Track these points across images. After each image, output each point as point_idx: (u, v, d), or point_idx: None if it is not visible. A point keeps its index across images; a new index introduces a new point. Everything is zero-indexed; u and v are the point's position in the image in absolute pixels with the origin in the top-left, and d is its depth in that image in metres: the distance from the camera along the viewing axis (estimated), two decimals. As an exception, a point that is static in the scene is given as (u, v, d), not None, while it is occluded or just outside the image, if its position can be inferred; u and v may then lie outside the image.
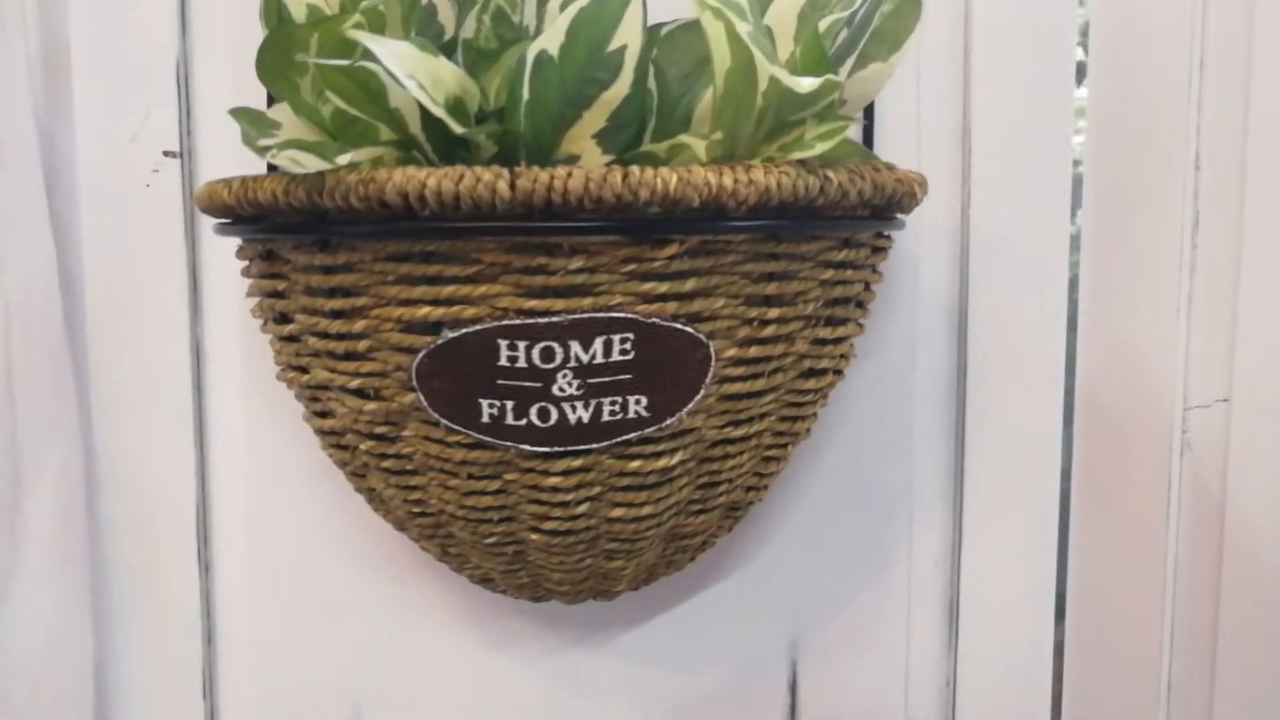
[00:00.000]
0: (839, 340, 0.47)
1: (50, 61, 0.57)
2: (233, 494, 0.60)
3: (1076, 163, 0.59)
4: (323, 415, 0.47)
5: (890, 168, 0.43)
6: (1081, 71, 0.57)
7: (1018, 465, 0.59)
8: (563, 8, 0.41)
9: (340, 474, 0.58)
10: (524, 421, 0.41)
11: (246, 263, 0.48)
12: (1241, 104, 0.52)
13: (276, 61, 0.44)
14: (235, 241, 0.57)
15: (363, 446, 0.45)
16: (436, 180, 0.36)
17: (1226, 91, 0.53)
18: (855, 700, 0.61)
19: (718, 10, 0.38)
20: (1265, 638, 0.54)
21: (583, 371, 0.40)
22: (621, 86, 0.39)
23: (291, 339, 0.45)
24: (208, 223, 0.58)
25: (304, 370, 0.46)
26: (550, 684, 0.61)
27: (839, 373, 0.49)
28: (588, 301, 0.39)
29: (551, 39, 0.38)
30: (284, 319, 0.45)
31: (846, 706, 0.61)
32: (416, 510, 0.47)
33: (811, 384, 0.47)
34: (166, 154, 0.58)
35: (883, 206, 0.43)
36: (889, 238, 0.47)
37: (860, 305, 0.47)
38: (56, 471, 0.57)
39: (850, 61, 0.42)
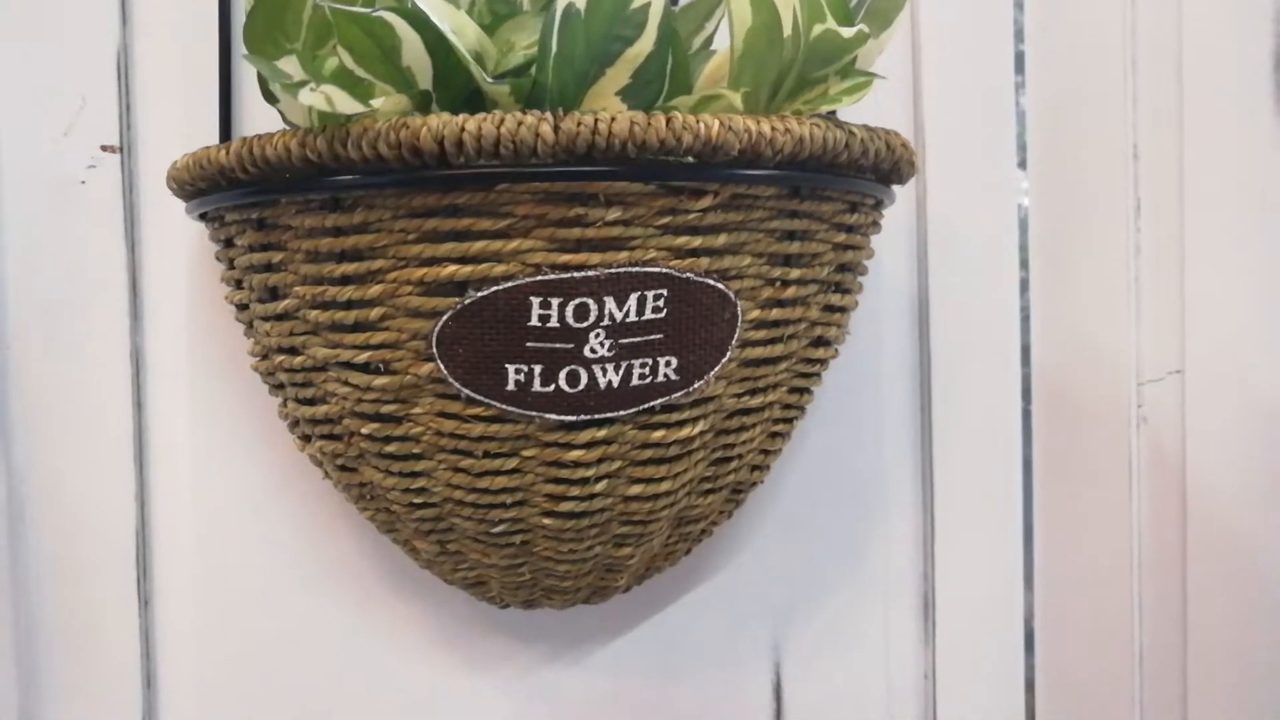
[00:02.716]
0: (843, 310, 0.47)
1: (-32, 49, 0.53)
2: (177, 519, 0.55)
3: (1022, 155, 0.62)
4: (312, 403, 0.44)
5: (896, 134, 0.44)
6: (1022, 71, 0.61)
7: (983, 452, 0.60)
8: (583, -34, 0.40)
9: (302, 489, 0.55)
10: (551, 387, 0.39)
11: (221, 244, 0.45)
12: (1175, 96, 0.56)
13: (266, 24, 0.41)
14: (182, 240, 0.54)
15: (363, 431, 0.42)
16: (476, 124, 0.35)
17: (1159, 84, 0.57)
18: (839, 698, 0.60)
19: (741, -31, 0.39)
20: (1232, 603, 0.56)
21: (615, 330, 0.39)
22: (646, 43, 0.39)
23: (284, 317, 0.42)
24: (151, 221, 0.55)
25: (295, 351, 0.43)
26: (530, 703, 0.57)
27: (837, 349, 0.49)
28: (624, 255, 0.38)
29: (578, -8, 0.38)
30: (275, 295, 0.42)
31: (831, 705, 0.60)
32: (418, 501, 0.44)
33: (819, 353, 0.47)
34: (105, 148, 0.54)
35: (888, 171, 0.44)
36: (882, 212, 0.48)
37: (858, 278, 0.48)
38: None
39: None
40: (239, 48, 0.51)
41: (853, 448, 0.60)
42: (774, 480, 0.59)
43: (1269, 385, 0.56)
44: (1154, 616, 0.59)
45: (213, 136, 0.52)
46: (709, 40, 0.50)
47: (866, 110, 0.59)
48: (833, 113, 0.52)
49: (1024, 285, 0.61)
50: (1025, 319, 0.62)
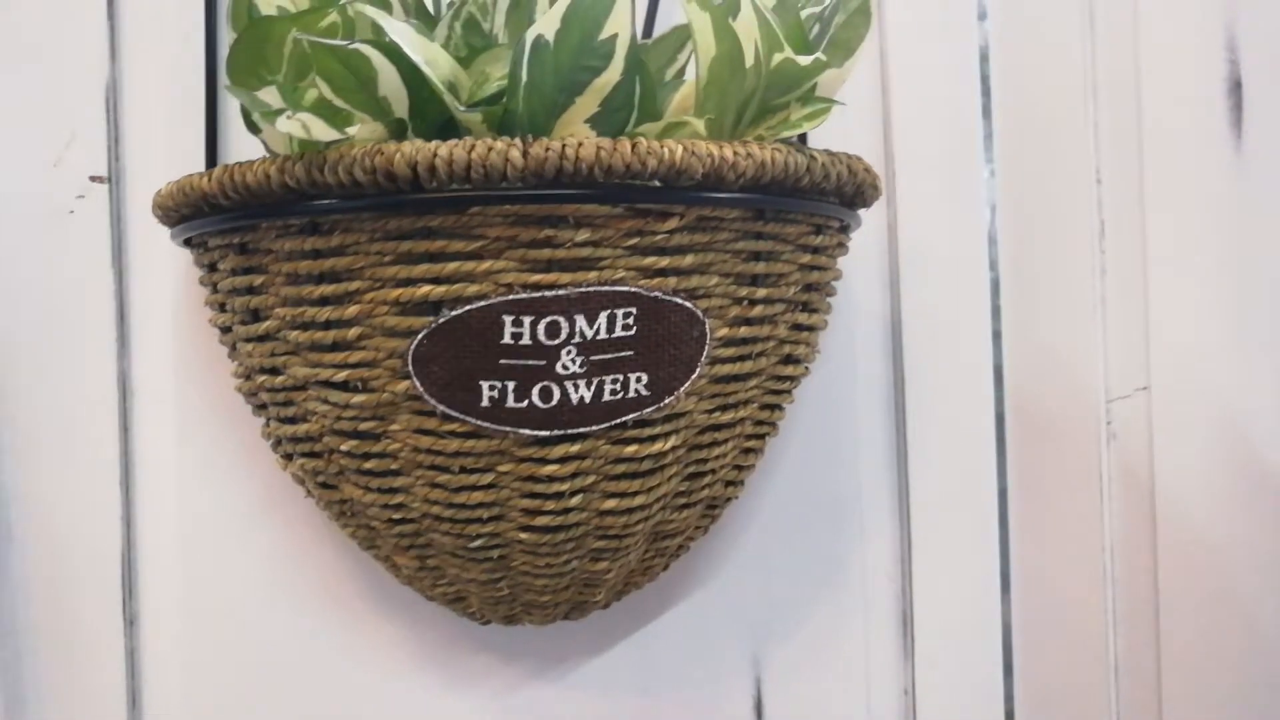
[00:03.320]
0: (811, 329, 0.48)
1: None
2: (162, 540, 0.56)
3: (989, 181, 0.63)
4: (293, 421, 0.45)
5: (859, 159, 0.45)
6: (988, 98, 0.62)
7: (957, 469, 0.62)
8: (552, 1, 0.42)
9: (285, 510, 0.56)
10: (525, 403, 0.40)
11: (205, 269, 0.46)
12: (1134, 121, 0.58)
13: (248, 58, 0.43)
14: (168, 268, 0.56)
15: (343, 448, 0.43)
16: (448, 149, 0.36)
17: (1119, 111, 0.59)
18: (819, 713, 0.61)
19: (703, 1, 0.40)
20: (1203, 613, 0.57)
21: (586, 348, 0.40)
22: (613, 73, 0.40)
23: (265, 338, 0.43)
24: (138, 250, 0.56)
25: (277, 372, 0.44)
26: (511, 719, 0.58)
27: (808, 367, 0.50)
28: (593, 275, 0.39)
29: (547, 25, 0.39)
30: (257, 317, 0.43)
31: (812, 721, 0.61)
32: (397, 517, 0.45)
33: (789, 370, 0.48)
34: (93, 179, 0.55)
35: (851, 195, 0.46)
36: (849, 235, 0.50)
37: (826, 299, 0.49)
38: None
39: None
40: (223, 79, 0.53)
41: (829, 466, 0.61)
42: (752, 498, 0.60)
43: (1233, 400, 0.57)
44: (1128, 627, 0.60)
45: (199, 167, 0.54)
46: (681, 70, 0.52)
47: (836, 137, 0.60)
48: (802, 138, 0.54)
49: (994, 306, 0.63)
50: (996, 339, 0.63)
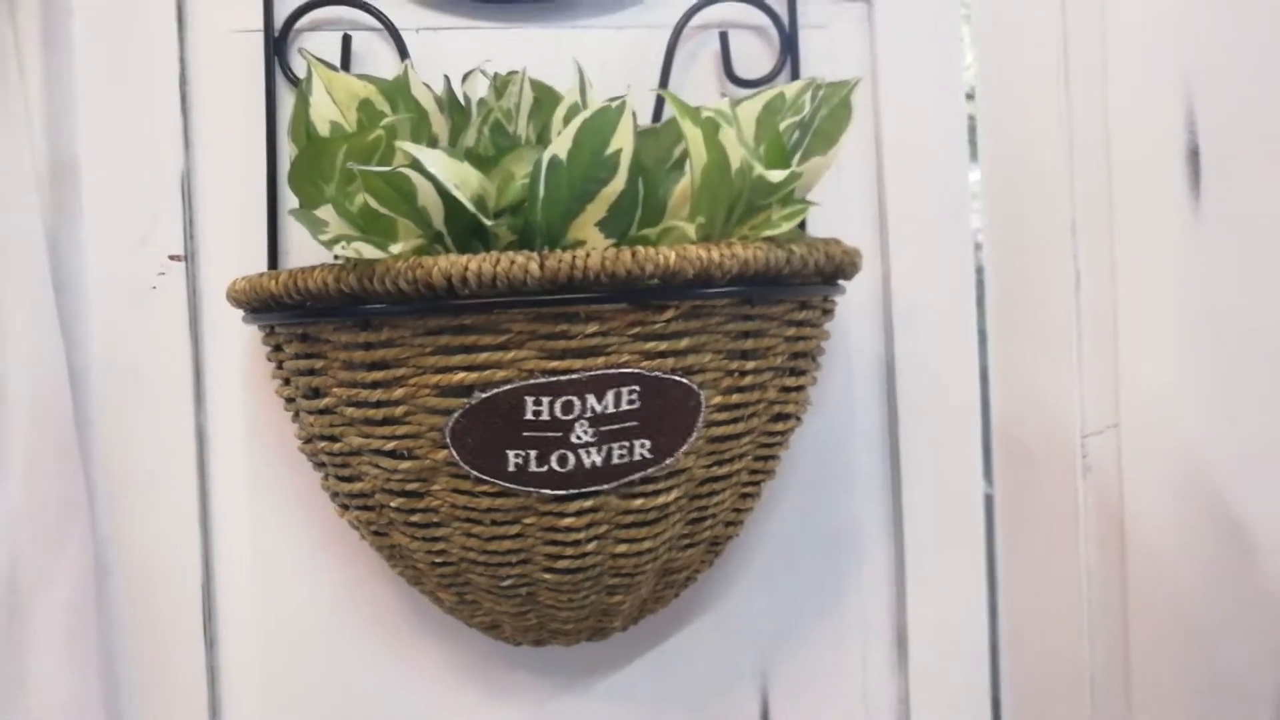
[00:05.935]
0: (800, 389, 0.55)
1: (58, 173, 0.62)
2: (236, 575, 0.64)
3: (976, 241, 0.69)
4: (350, 480, 0.52)
5: (837, 242, 0.51)
6: (975, 162, 0.68)
7: (947, 500, 0.67)
8: (566, 119, 0.49)
9: (342, 547, 0.63)
10: (545, 468, 0.47)
11: (271, 348, 0.54)
12: (1105, 179, 0.64)
13: (307, 170, 0.50)
14: (238, 337, 0.63)
15: (392, 504, 0.50)
16: (477, 264, 0.43)
17: (1093, 170, 0.64)
18: (822, 722, 0.67)
19: (695, 118, 0.47)
20: (1167, 627, 0.63)
21: (597, 420, 0.47)
22: (618, 183, 0.47)
23: (325, 412, 0.50)
24: (211, 320, 0.63)
25: (335, 439, 0.51)
26: (545, 730, 0.65)
27: (799, 419, 0.56)
28: (601, 360, 0.46)
29: (561, 145, 0.46)
30: (317, 394, 0.51)
31: (815, 730, 0.67)
32: (438, 561, 0.52)
33: (780, 426, 0.54)
34: (172, 258, 0.63)
35: (831, 274, 0.52)
36: (834, 301, 0.56)
37: (814, 359, 0.56)
38: (70, 565, 0.58)
39: (798, 156, 0.51)
40: (283, 167, 0.60)
41: (829, 499, 0.67)
42: (759, 531, 0.67)
43: (1192, 434, 0.62)
44: (1101, 643, 0.66)
45: (262, 245, 0.61)
46: (685, 154, 0.58)
47: (832, 200, 0.66)
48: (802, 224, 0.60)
49: (981, 350, 0.68)
50: (984, 380, 0.68)
